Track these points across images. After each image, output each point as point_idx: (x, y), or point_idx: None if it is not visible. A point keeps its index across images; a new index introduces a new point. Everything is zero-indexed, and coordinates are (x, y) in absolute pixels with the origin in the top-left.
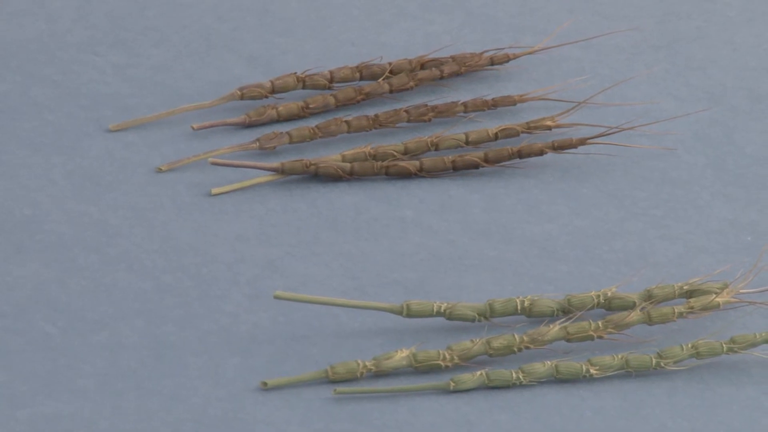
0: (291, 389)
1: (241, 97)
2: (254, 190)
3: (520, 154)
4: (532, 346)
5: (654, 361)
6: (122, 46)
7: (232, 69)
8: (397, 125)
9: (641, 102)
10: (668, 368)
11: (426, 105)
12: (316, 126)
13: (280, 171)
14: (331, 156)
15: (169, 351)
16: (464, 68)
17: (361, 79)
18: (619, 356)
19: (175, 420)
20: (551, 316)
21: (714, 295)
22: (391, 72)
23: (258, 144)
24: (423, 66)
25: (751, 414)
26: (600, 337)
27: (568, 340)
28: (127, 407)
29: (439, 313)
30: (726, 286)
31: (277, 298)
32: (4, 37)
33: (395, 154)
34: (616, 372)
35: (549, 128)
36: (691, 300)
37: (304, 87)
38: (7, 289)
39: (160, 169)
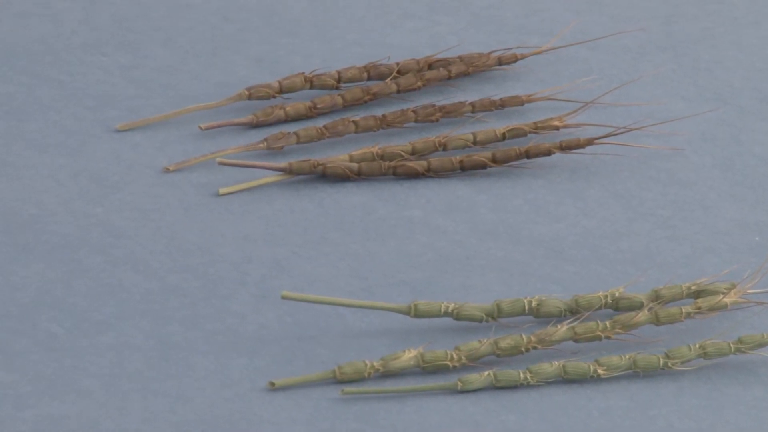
0: (298, 389)
1: (249, 97)
2: (261, 190)
3: (528, 154)
4: (539, 347)
5: (661, 361)
6: (128, 47)
7: (239, 70)
8: (405, 125)
9: (648, 102)
10: (676, 368)
11: (433, 105)
12: (324, 126)
13: (288, 171)
14: (338, 156)
15: (175, 351)
16: (472, 68)
17: (369, 79)
18: (627, 356)
19: (182, 421)
20: (559, 317)
21: (721, 296)
22: (398, 72)
23: (265, 144)
24: (430, 66)
25: (758, 414)
26: (607, 338)
27: (575, 341)
28: (133, 408)
29: (446, 314)
30: (733, 286)
31: (284, 298)
32: (10, 38)
33: (403, 154)
34: (623, 372)
35: (556, 128)
36: (699, 300)
37: (311, 87)
38: (12, 289)
39: (167, 170)
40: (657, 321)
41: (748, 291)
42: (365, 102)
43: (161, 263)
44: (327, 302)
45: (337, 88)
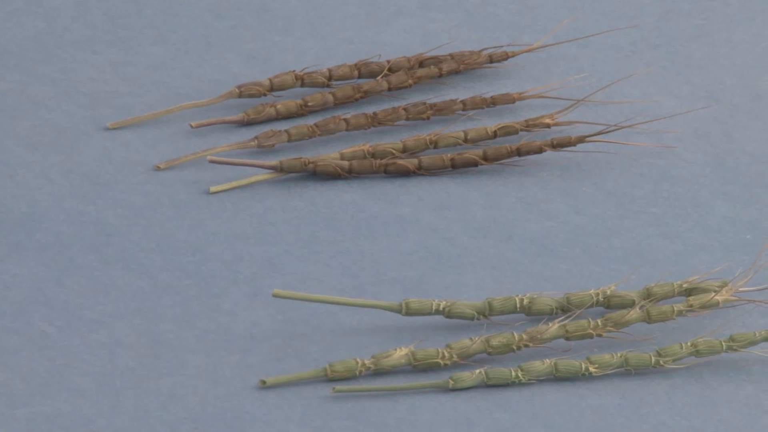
0: (290, 387)
1: (240, 95)
2: (253, 188)
3: (519, 152)
4: (531, 345)
5: (653, 359)
6: (121, 45)
7: (231, 67)
8: (396, 123)
9: (640, 100)
10: (667, 366)
11: (425, 103)
12: (315, 124)
13: (279, 169)
14: (329, 154)
15: (167, 350)
16: (463, 66)
17: (360, 77)
18: (619, 354)
19: (174, 419)
20: (550, 315)
21: (713, 294)
22: (389, 70)
23: (256, 142)
24: (422, 64)
25: (750, 412)
26: (599, 336)
27: (567, 339)
28: (126, 406)
29: (438, 312)
30: (725, 284)
31: (275, 296)
32: (2, 35)
33: (394, 152)
34: (615, 370)
35: (548, 126)
36: (691, 298)
37: (302, 85)
38: (4, 287)
39: (159, 168)
40: (649, 319)
41: (740, 289)
42: (356, 100)
43: (153, 261)
44: (318, 300)
45: (328, 86)
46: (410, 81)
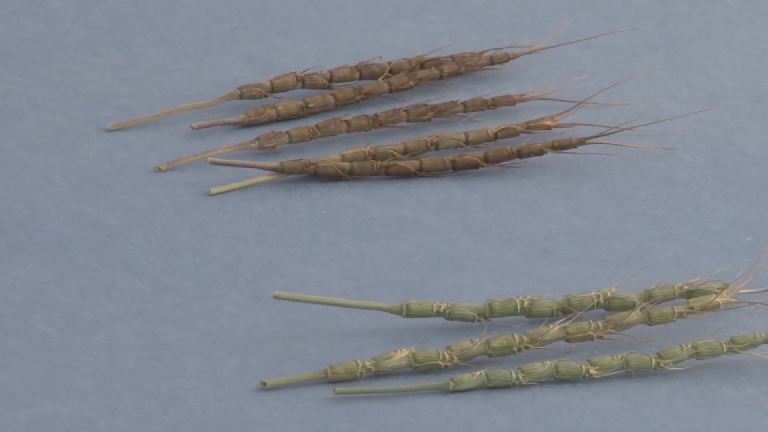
0: (290, 389)
1: (241, 97)
2: (253, 190)
3: (520, 154)
4: (531, 347)
5: (654, 361)
6: (121, 46)
7: (231, 69)
8: (397, 125)
9: (641, 102)
10: (668, 368)
11: (425, 104)
12: (316, 125)
13: (280, 170)
14: (330, 156)
15: (167, 351)
16: (464, 68)
17: (361, 78)
18: (619, 356)
19: (174, 420)
20: (551, 317)
21: (714, 296)
22: (390, 71)
23: (257, 143)
24: (422, 65)
25: (750, 414)
26: (600, 338)
27: (567, 341)
28: (126, 408)
29: (438, 313)
30: (726, 286)
31: (276, 298)
32: (2, 37)
33: (395, 153)
34: (615, 372)
35: (549, 128)
36: (691, 300)
37: (303, 86)
38: (5, 289)
39: (159, 169)
40: (649, 321)
41: (741, 291)
42: (357, 101)
43: (153, 263)
44: (319, 302)
45: (329, 88)
46: (411, 83)
